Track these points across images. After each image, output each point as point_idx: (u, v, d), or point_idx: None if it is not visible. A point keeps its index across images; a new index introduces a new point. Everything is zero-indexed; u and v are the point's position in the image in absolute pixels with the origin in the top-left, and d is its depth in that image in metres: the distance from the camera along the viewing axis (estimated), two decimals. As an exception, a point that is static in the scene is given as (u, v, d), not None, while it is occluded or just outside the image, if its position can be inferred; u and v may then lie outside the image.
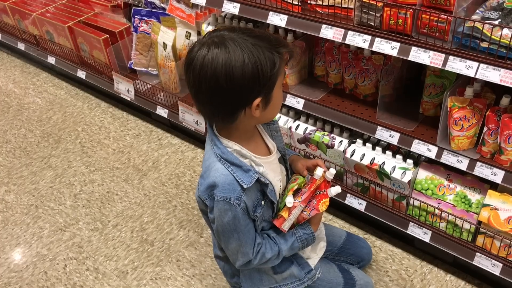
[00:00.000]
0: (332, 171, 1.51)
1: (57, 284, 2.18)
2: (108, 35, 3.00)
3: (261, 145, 1.53)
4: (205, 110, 1.36)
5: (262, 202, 1.45)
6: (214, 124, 1.43)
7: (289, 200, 1.48)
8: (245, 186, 1.35)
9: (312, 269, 1.68)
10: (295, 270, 1.65)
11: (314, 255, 1.72)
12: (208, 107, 1.33)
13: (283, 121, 2.30)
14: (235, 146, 1.40)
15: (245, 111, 1.32)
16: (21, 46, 3.76)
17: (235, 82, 1.24)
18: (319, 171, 1.50)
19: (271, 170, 1.49)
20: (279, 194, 1.53)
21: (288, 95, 2.19)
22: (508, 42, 1.48)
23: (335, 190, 1.51)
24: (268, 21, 2.02)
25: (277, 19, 1.99)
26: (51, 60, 3.53)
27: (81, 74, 3.32)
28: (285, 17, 1.97)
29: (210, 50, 1.24)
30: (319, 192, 1.52)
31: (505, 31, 1.49)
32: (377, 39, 1.75)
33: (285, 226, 1.50)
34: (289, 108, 2.30)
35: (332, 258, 1.92)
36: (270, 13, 2.00)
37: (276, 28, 2.22)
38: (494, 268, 1.83)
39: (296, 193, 1.52)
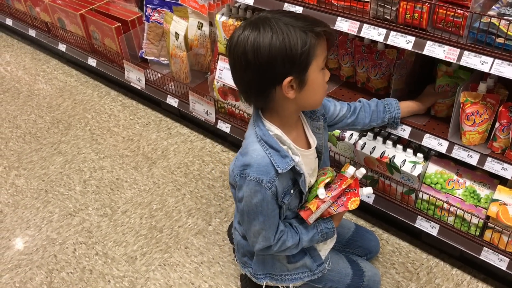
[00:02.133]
0: (363, 170, 1.53)
1: (67, 267, 2.21)
2: (120, 24, 3.02)
3: (301, 137, 1.55)
4: (240, 89, 1.40)
5: (292, 191, 1.47)
6: (254, 104, 1.45)
7: (321, 192, 1.50)
8: (279, 171, 1.37)
9: (323, 262, 1.71)
10: (308, 261, 1.68)
11: (324, 247, 1.75)
12: (242, 86, 1.39)
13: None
14: (276, 131, 1.42)
15: (276, 89, 1.33)
16: (32, 32, 3.78)
17: (263, 58, 1.27)
18: (350, 170, 1.51)
19: (305, 163, 1.50)
20: (308, 187, 1.55)
21: (300, 87, 2.21)
22: (524, 38, 1.49)
23: (367, 191, 1.53)
24: (283, 13, 2.03)
25: (292, 10, 2.00)
26: (61, 47, 3.54)
27: (92, 62, 3.34)
28: (301, 8, 1.98)
29: (244, 30, 1.31)
30: (349, 190, 1.54)
31: (521, 27, 1.50)
32: (392, 32, 1.76)
33: (311, 219, 1.53)
34: (301, 100, 2.32)
35: (340, 249, 1.94)
36: (286, 4, 2.01)
37: (290, 20, 2.23)
38: (501, 263, 1.85)
39: (326, 186, 1.54)
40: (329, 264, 1.74)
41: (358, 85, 2.22)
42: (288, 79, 1.30)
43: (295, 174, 1.45)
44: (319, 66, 1.34)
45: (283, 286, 1.75)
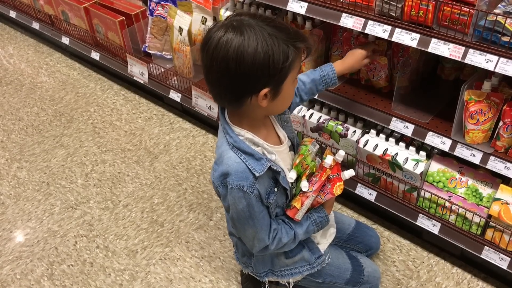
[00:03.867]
0: (341, 152, 1.54)
1: (67, 260, 2.22)
2: (124, 18, 3.01)
3: (272, 134, 1.55)
4: (213, 90, 1.38)
5: (275, 189, 1.47)
6: (226, 109, 1.45)
7: (304, 184, 1.50)
8: (257, 175, 1.38)
9: (322, 255, 1.71)
10: (306, 255, 1.68)
11: (324, 241, 1.75)
12: (216, 88, 1.35)
13: (297, 109, 2.32)
14: (247, 135, 1.42)
15: (251, 99, 1.32)
16: (35, 25, 3.78)
17: (245, 68, 1.24)
18: (328, 159, 1.51)
19: (282, 159, 1.50)
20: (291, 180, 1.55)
21: (304, 83, 2.20)
22: (530, 37, 1.49)
23: (349, 173, 1.54)
24: (287, 8, 2.02)
25: (297, 6, 2.00)
26: (65, 40, 3.54)
27: (95, 55, 3.34)
28: (305, 4, 1.97)
29: (226, 32, 1.25)
30: (333, 176, 1.54)
31: (527, 26, 1.49)
32: (397, 29, 1.76)
33: (299, 216, 1.54)
34: (304, 96, 2.31)
35: (340, 245, 1.94)
36: (291, 0, 2.01)
37: (295, 15, 2.22)
38: (502, 262, 1.85)
39: (309, 178, 1.54)
40: (328, 258, 1.74)
41: (362, 82, 2.21)
42: (265, 90, 1.30)
43: (274, 173, 1.45)
44: (293, 77, 1.36)
45: (284, 282, 1.75)
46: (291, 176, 1.49)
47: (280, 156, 1.50)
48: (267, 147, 1.45)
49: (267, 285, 1.81)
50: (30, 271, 2.18)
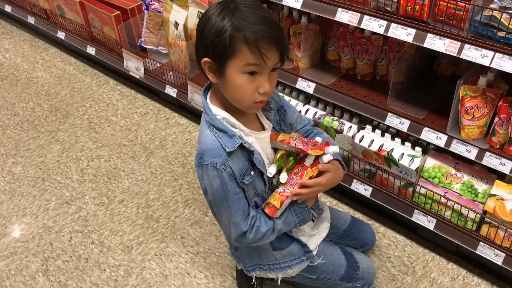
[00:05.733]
0: (328, 156, 1.47)
1: (62, 255, 2.21)
2: (119, 12, 2.99)
3: (254, 121, 1.56)
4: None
5: (252, 172, 1.47)
6: (208, 90, 1.51)
7: (283, 176, 1.49)
8: (227, 150, 1.39)
9: (311, 250, 1.70)
10: (295, 248, 1.68)
11: (317, 234, 1.73)
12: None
13: (293, 104, 2.30)
14: (224, 114, 1.45)
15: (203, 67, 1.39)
16: (31, 20, 3.75)
17: (199, 27, 1.36)
18: (310, 158, 1.48)
19: (262, 147, 1.52)
20: (269, 166, 1.53)
21: (300, 79, 2.19)
22: (525, 32, 1.48)
23: (333, 149, 1.46)
24: (283, 3, 2.01)
25: (292, 1, 1.99)
26: (60, 35, 3.52)
27: (91, 50, 3.32)
28: (301, -1, 1.96)
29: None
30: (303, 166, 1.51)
31: (523, 21, 1.49)
32: (393, 24, 1.75)
33: (277, 215, 1.52)
34: (300, 91, 2.31)
35: (336, 241, 1.94)
36: (286, -6, 2.00)
37: (291, 10, 2.21)
38: (496, 257, 1.85)
39: (288, 172, 1.51)
40: (320, 255, 1.73)
41: (358, 77, 2.21)
42: (205, 59, 1.35)
43: (249, 154, 1.45)
44: (239, 68, 1.32)
45: (274, 277, 1.74)
46: (270, 171, 1.49)
47: (260, 143, 1.52)
48: (244, 129, 1.47)
49: (253, 280, 1.81)
50: (25, 266, 2.17)
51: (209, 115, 1.44)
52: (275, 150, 1.57)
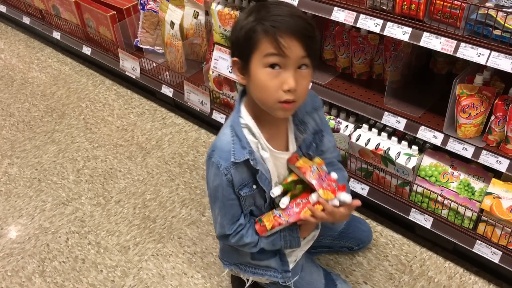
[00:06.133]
0: (345, 197, 1.39)
1: (59, 256, 2.20)
2: (115, 12, 2.98)
3: (280, 138, 1.49)
4: None
5: (254, 186, 1.44)
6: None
7: (284, 202, 1.44)
8: (231, 159, 1.37)
9: (289, 271, 1.65)
10: (273, 263, 1.64)
11: (291, 257, 1.68)
12: None
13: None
14: (249, 121, 1.40)
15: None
16: (26, 20, 3.74)
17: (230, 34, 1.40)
18: (314, 196, 1.40)
19: (275, 165, 1.47)
20: (275, 186, 1.49)
21: (296, 78, 2.19)
22: (521, 31, 1.48)
23: (344, 197, 1.38)
24: (279, 2, 2.01)
25: (288, 0, 1.98)
26: (56, 35, 3.51)
27: (86, 50, 3.31)
28: (297, -2, 1.96)
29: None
30: (303, 201, 1.44)
31: (519, 19, 1.49)
32: (389, 23, 1.75)
33: (265, 236, 1.50)
34: (296, 91, 2.30)
35: (331, 242, 1.94)
36: (282, -7, 1.99)
37: (287, 9, 2.20)
38: (493, 256, 1.85)
39: (292, 198, 1.46)
40: (297, 271, 1.69)
41: (354, 76, 2.20)
42: (234, 58, 1.34)
43: (253, 170, 1.41)
44: (260, 61, 1.26)
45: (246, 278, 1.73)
46: (274, 191, 1.45)
47: (276, 161, 1.46)
48: (263, 143, 1.42)
49: (225, 271, 1.80)
50: (21, 268, 2.16)
51: (235, 116, 1.42)
52: (291, 170, 1.51)
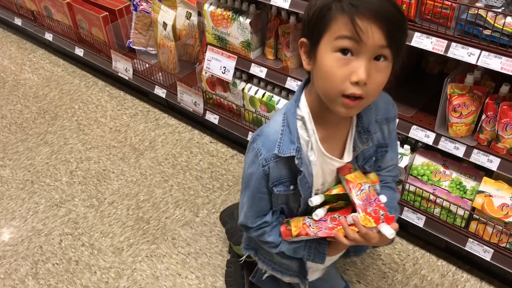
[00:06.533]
0: (387, 231, 1.19)
1: (52, 258, 2.19)
2: (107, 13, 2.98)
3: (336, 144, 1.30)
4: None
5: (291, 187, 1.29)
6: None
7: (319, 214, 1.28)
8: (274, 151, 1.21)
9: (307, 280, 1.54)
10: (294, 266, 1.53)
11: (313, 275, 1.57)
12: None
13: (282, 104, 2.31)
14: (306, 114, 1.23)
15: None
16: (18, 21, 3.72)
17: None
18: (352, 217, 1.22)
19: (322, 169, 1.29)
20: (316, 194, 1.33)
21: (289, 78, 2.20)
22: (511, 31, 1.50)
23: (386, 230, 1.19)
24: (271, 2, 2.01)
25: (280, 1, 1.99)
26: (48, 36, 3.50)
27: (79, 51, 3.30)
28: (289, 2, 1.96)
29: None
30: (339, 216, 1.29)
31: (508, 19, 1.50)
32: (380, 23, 1.76)
33: (289, 241, 1.37)
34: (289, 91, 2.31)
35: None
36: (274, -6, 2.00)
37: (279, 10, 2.21)
38: (485, 254, 1.87)
39: (330, 210, 1.31)
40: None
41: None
42: (302, 39, 1.16)
43: (296, 169, 1.25)
44: (330, 43, 1.07)
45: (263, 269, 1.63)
46: (314, 200, 1.28)
47: (325, 166, 1.28)
48: (314, 142, 1.24)
49: (244, 257, 1.68)
50: (14, 270, 2.15)
51: (292, 104, 1.25)
52: (338, 181, 1.34)
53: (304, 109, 1.23)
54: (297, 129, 1.23)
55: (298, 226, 1.31)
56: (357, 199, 1.22)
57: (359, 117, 1.28)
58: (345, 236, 1.24)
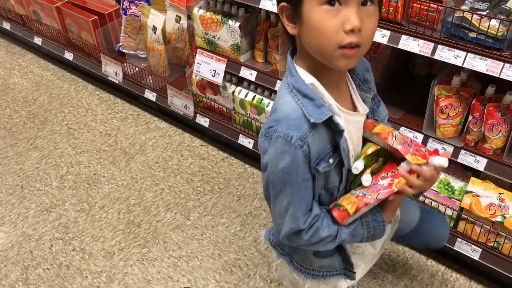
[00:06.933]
0: (439, 161, 1.13)
1: (43, 263, 2.19)
2: (97, 17, 2.98)
3: (346, 98, 1.23)
4: None
5: (330, 160, 1.16)
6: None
7: (366, 178, 1.17)
8: (312, 120, 1.09)
9: (354, 272, 1.39)
10: (337, 261, 1.38)
11: (362, 265, 1.43)
12: None
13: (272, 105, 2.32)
14: (312, 80, 1.14)
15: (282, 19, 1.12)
16: (6, 25, 3.70)
17: None
18: (404, 164, 1.15)
19: (350, 132, 1.19)
20: (352, 161, 1.21)
21: (278, 81, 2.21)
22: (495, 33, 1.52)
23: (439, 161, 1.13)
24: (260, 6, 2.03)
25: (269, 4, 2.00)
26: (37, 40, 3.48)
27: (69, 55, 3.29)
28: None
29: None
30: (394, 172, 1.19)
31: (493, 22, 1.53)
32: (368, 26, 1.78)
33: (346, 223, 1.21)
34: (279, 94, 2.32)
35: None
36: (263, -2, 2.01)
37: (268, 13, 2.22)
38: (473, 253, 1.89)
39: (372, 174, 1.20)
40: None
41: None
42: (282, 4, 1.09)
43: (335, 135, 1.14)
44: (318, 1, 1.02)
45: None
46: (357, 166, 1.17)
47: (349, 127, 1.18)
48: (333, 103, 1.14)
49: (279, 261, 1.47)
50: (4, 276, 2.14)
51: (294, 76, 1.14)
52: (365, 140, 1.25)
53: (306, 76, 1.15)
54: (317, 94, 1.13)
55: (351, 202, 1.18)
56: (397, 145, 1.15)
57: (352, 72, 1.25)
58: (408, 185, 1.15)
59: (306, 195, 1.17)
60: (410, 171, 1.14)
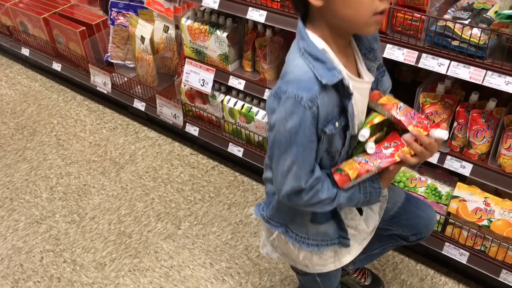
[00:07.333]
0: (440, 133, 1.20)
1: (34, 276, 2.18)
2: (84, 28, 2.98)
3: (352, 66, 1.27)
4: None
5: (336, 123, 1.20)
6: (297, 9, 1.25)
7: (371, 146, 1.22)
8: (324, 82, 1.13)
9: (348, 238, 1.42)
10: (332, 228, 1.40)
11: (363, 237, 1.47)
12: None
13: (261, 115, 2.34)
14: (324, 45, 1.18)
15: None
16: (-7, 37, 3.70)
17: None
18: (407, 137, 1.21)
19: (355, 99, 1.23)
20: (357, 128, 1.27)
21: (267, 90, 2.23)
22: (477, 41, 1.56)
23: (439, 133, 1.20)
24: (247, 17, 2.05)
25: (256, 15, 2.03)
26: (25, 51, 3.48)
27: (57, 66, 3.29)
28: (265, 13, 2.00)
29: None
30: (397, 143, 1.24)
31: (475, 30, 1.56)
32: (353, 36, 1.80)
33: (347, 187, 1.25)
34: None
35: (383, 228, 1.63)
36: (250, 8, 2.04)
37: (255, 23, 2.25)
38: (461, 257, 1.92)
39: (376, 143, 1.25)
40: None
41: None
42: None
43: (343, 97, 1.19)
44: None
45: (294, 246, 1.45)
46: (364, 133, 1.22)
47: (355, 93, 1.22)
48: (343, 69, 1.19)
49: (275, 235, 1.47)
50: (-5, 289, 2.13)
51: (306, 40, 1.17)
52: (369, 110, 1.30)
53: (319, 41, 1.19)
54: (326, 57, 1.17)
55: (353, 168, 1.22)
56: (400, 116, 1.21)
57: (359, 40, 1.28)
58: (411, 154, 1.22)
59: (310, 156, 1.20)
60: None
